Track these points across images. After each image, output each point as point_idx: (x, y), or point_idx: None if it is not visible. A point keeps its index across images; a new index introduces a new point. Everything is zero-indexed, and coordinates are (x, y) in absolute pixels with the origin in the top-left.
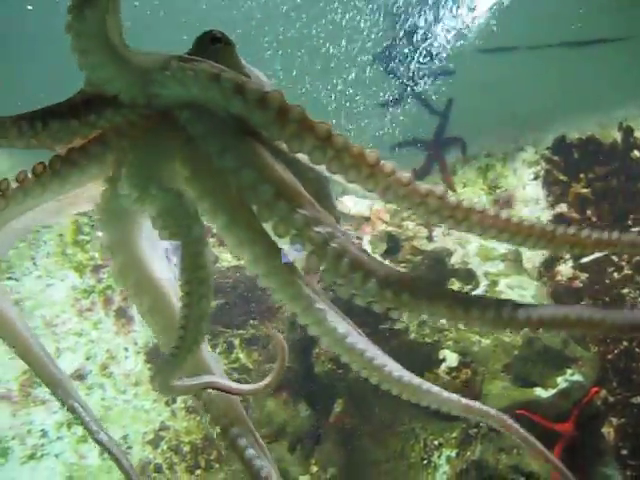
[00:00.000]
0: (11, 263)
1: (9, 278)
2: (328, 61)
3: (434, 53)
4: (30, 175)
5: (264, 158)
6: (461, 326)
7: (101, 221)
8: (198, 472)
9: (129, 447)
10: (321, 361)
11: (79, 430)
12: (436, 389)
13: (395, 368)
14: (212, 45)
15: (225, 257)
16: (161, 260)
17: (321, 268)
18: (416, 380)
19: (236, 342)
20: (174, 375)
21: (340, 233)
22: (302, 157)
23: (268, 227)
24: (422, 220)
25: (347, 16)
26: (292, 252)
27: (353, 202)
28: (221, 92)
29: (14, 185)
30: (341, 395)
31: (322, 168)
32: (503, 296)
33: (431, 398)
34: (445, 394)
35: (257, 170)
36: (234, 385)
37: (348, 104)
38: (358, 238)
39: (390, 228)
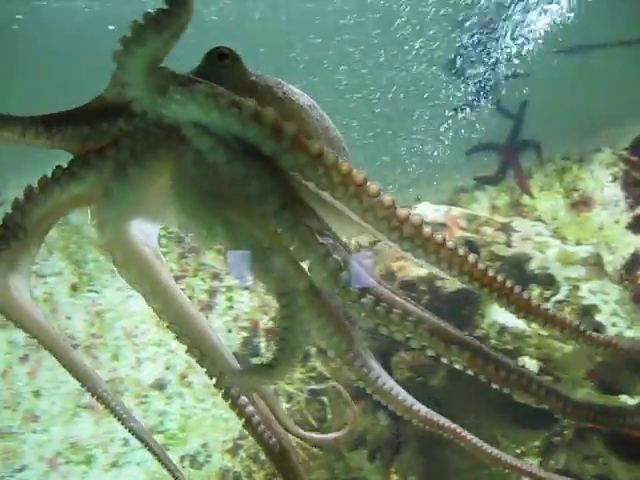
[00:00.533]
0: (92, 275)
1: (90, 290)
2: (400, 65)
3: (507, 55)
4: (36, 185)
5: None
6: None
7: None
8: None
9: (208, 455)
10: (400, 368)
11: (159, 438)
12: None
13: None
14: (220, 61)
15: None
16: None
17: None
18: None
19: (313, 351)
20: (262, 383)
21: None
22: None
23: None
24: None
25: (418, 20)
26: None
27: (430, 209)
28: (218, 110)
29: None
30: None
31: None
32: (585, 302)
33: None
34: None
35: (262, 182)
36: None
37: (421, 109)
38: None
39: (467, 234)
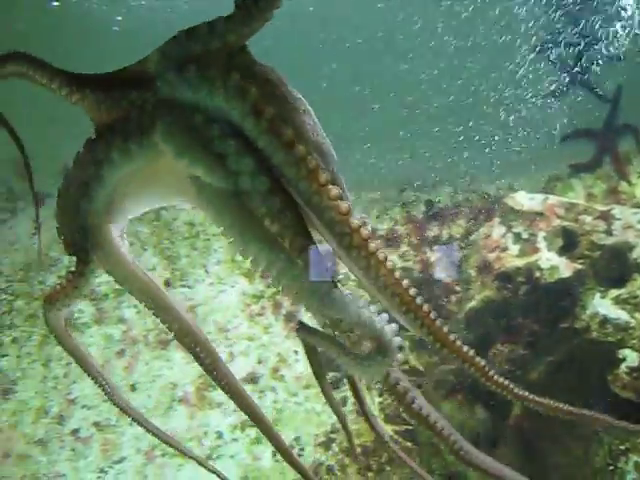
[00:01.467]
0: (184, 271)
1: (182, 285)
2: (492, 52)
3: (601, 39)
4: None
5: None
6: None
7: None
8: (370, 474)
9: (301, 449)
10: (498, 361)
11: (253, 432)
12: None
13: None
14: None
15: (391, 259)
16: None
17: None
18: None
19: (406, 344)
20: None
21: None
22: None
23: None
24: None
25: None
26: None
27: (525, 198)
28: (225, 96)
29: None
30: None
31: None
32: None
33: None
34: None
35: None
36: None
37: (513, 96)
38: (532, 235)
39: (565, 223)
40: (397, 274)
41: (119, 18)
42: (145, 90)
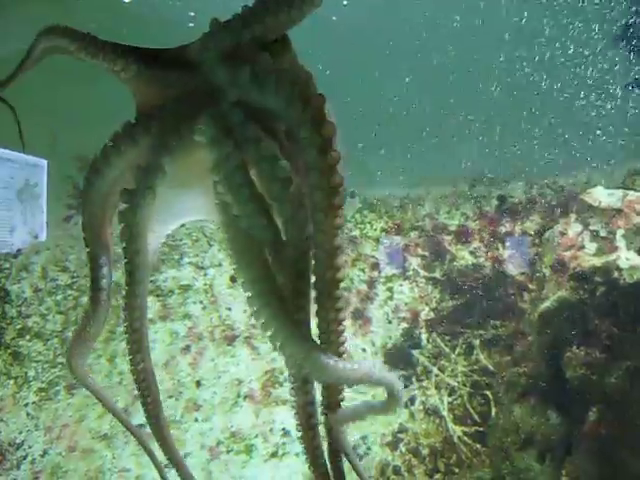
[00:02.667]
0: None
1: None
2: (565, 42)
3: None
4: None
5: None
6: None
7: None
8: (437, 476)
9: (368, 448)
10: (573, 365)
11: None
12: None
13: None
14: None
15: (462, 255)
16: None
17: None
18: None
19: (476, 343)
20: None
21: None
22: None
23: None
24: None
25: None
26: None
27: (603, 194)
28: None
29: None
30: (596, 402)
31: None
32: None
33: None
34: None
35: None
36: None
37: (590, 88)
38: (610, 233)
39: None
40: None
41: (192, 13)
42: (190, 76)
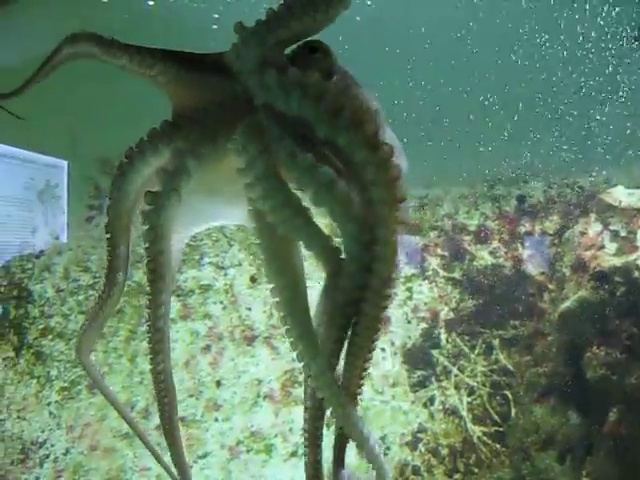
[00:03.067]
0: None
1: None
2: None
3: None
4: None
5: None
6: None
7: None
8: (457, 476)
9: (387, 448)
10: (593, 365)
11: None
12: None
13: None
14: (310, 55)
15: (481, 255)
16: None
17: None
18: None
19: (495, 343)
20: None
21: None
22: None
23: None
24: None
25: None
26: None
27: (624, 193)
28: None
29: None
30: (617, 403)
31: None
32: None
33: None
34: None
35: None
36: None
37: (605, 83)
38: (630, 233)
39: None
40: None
41: (216, 16)
42: (227, 84)
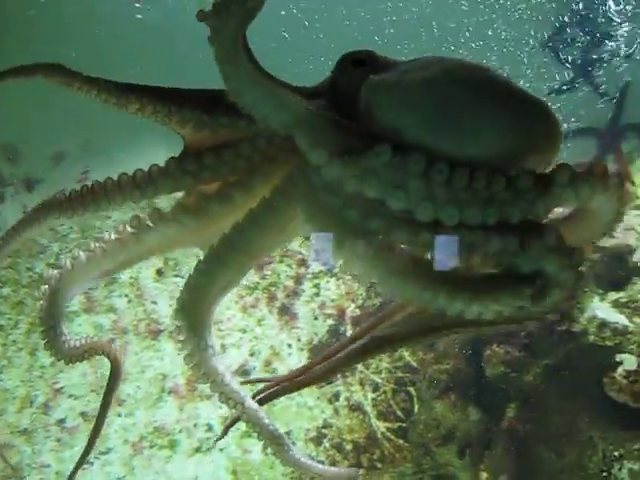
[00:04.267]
0: (177, 260)
1: (175, 275)
2: (498, 46)
3: (608, 35)
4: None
5: None
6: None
7: None
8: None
9: (292, 443)
10: (493, 363)
11: (243, 425)
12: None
13: None
14: (355, 69)
15: None
16: None
17: None
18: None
19: None
20: None
21: None
22: None
23: None
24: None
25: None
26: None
27: None
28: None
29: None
30: (514, 399)
31: None
32: None
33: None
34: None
35: None
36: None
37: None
38: None
39: None
40: None
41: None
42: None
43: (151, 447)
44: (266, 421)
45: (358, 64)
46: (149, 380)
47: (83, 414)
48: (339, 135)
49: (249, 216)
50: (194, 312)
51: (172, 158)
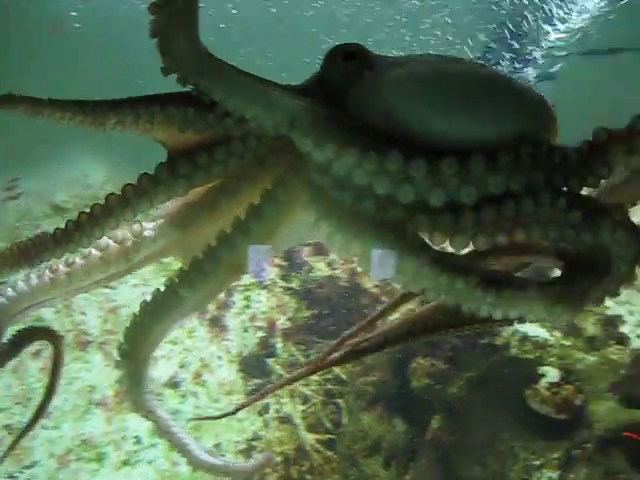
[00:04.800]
0: None
1: (105, 286)
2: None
3: (535, 57)
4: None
5: None
6: None
7: None
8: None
9: (222, 455)
10: (418, 375)
11: None
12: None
13: None
14: (346, 63)
15: (320, 267)
16: None
17: None
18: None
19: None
20: None
21: None
22: None
23: None
24: None
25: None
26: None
27: None
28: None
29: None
30: (438, 411)
31: None
32: (610, 312)
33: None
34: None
35: None
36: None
37: None
38: None
39: None
40: None
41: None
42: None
43: (78, 460)
44: (175, 429)
45: (348, 58)
46: (77, 392)
47: (7, 427)
48: (343, 129)
49: (236, 226)
50: (136, 358)
51: (161, 164)
